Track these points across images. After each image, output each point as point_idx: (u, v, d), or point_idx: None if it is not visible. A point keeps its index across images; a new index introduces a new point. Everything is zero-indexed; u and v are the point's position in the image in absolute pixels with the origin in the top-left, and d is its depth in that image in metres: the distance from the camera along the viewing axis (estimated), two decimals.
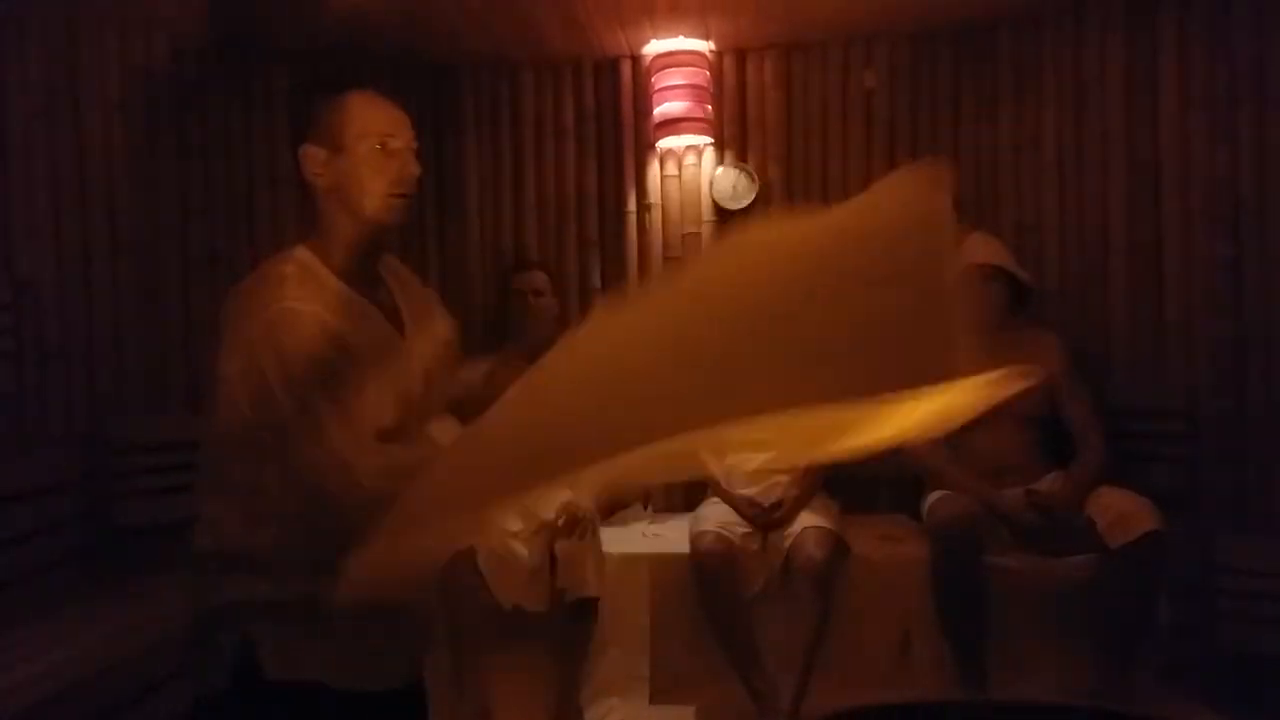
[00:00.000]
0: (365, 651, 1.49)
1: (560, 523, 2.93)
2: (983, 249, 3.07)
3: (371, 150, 1.46)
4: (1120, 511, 2.69)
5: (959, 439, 3.04)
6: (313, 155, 1.47)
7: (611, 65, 3.67)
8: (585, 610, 2.91)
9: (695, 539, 2.93)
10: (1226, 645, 2.79)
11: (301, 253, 1.48)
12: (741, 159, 3.63)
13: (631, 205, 3.69)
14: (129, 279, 2.99)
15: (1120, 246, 3.09)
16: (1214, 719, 2.52)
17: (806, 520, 2.96)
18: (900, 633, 2.99)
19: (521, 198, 3.70)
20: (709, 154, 3.65)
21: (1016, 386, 0.87)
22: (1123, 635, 2.68)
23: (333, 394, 1.36)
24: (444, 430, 1.59)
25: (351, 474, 1.32)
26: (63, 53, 2.82)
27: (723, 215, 3.64)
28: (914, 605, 2.95)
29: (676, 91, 3.43)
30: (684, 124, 3.45)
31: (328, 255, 1.49)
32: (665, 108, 3.45)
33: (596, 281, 3.69)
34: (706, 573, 2.87)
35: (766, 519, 3.02)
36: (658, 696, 3.01)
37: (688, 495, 3.57)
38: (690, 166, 3.66)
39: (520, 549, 2.96)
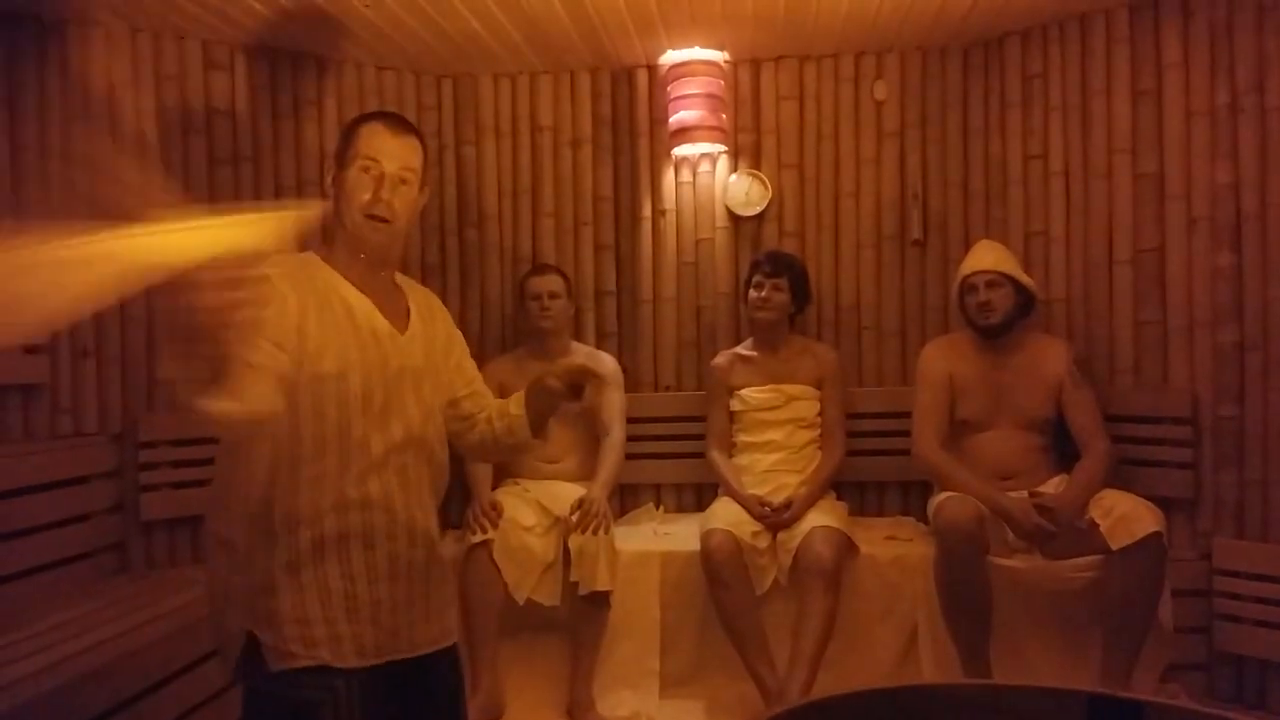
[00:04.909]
0: (370, 624, 1.56)
1: (574, 518, 3.01)
2: (988, 256, 3.13)
3: (358, 172, 1.59)
4: (1122, 513, 2.74)
5: (965, 443, 3.11)
6: (327, 170, 1.66)
7: (628, 74, 3.75)
8: (598, 604, 2.98)
9: (705, 537, 3.00)
10: (1224, 646, 2.84)
11: (309, 255, 1.64)
12: (754, 167, 3.71)
13: (647, 211, 3.77)
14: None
15: (1125, 255, 3.14)
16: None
17: (815, 520, 3.02)
18: (906, 631, 3.06)
19: (539, 203, 3.78)
20: (723, 161, 3.72)
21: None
22: (1125, 635, 2.73)
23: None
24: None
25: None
26: (99, 62, 2.92)
27: (736, 221, 3.72)
28: (920, 604, 3.01)
29: (692, 100, 3.51)
30: (699, 132, 3.52)
31: (332, 260, 1.63)
32: (680, 116, 3.53)
33: (611, 285, 3.77)
34: (716, 570, 2.94)
35: (776, 519, 3.09)
36: (668, 690, 3.08)
37: (698, 496, 3.65)
38: (704, 173, 3.74)
39: (535, 544, 3.04)
